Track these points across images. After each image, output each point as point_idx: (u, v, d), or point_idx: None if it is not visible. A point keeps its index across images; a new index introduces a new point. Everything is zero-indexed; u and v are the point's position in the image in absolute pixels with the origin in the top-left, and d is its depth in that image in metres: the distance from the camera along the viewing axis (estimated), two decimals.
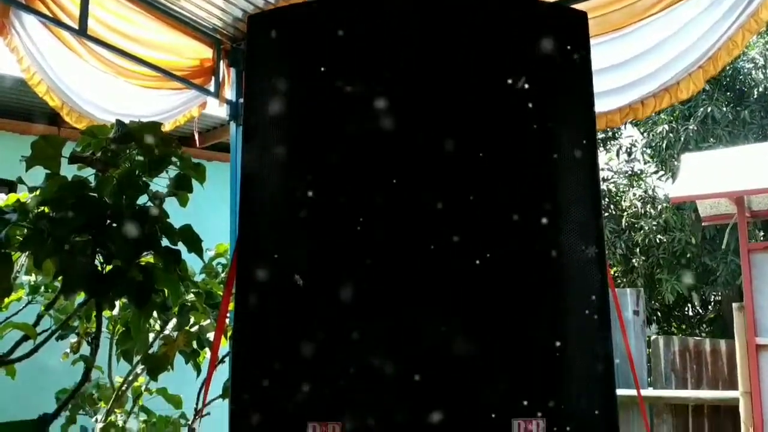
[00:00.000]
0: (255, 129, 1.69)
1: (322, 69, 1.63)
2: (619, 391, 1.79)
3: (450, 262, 1.58)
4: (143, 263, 1.95)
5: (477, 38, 1.65)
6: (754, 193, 3.48)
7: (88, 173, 1.98)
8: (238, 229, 1.71)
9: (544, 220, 1.64)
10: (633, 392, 3.16)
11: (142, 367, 2.61)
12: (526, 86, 1.62)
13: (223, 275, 3.00)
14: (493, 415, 1.60)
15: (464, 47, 1.65)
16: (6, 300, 2.42)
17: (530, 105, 1.63)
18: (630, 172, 11.00)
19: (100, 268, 1.88)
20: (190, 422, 2.67)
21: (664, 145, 9.39)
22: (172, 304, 2.16)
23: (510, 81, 1.63)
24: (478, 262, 1.56)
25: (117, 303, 2.43)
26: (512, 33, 1.66)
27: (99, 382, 2.93)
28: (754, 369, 3.37)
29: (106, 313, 2.48)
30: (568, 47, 1.65)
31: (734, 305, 3.54)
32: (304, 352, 1.64)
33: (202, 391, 2.70)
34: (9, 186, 3.41)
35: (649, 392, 3.85)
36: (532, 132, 1.65)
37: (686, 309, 11.52)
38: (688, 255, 9.26)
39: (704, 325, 10.93)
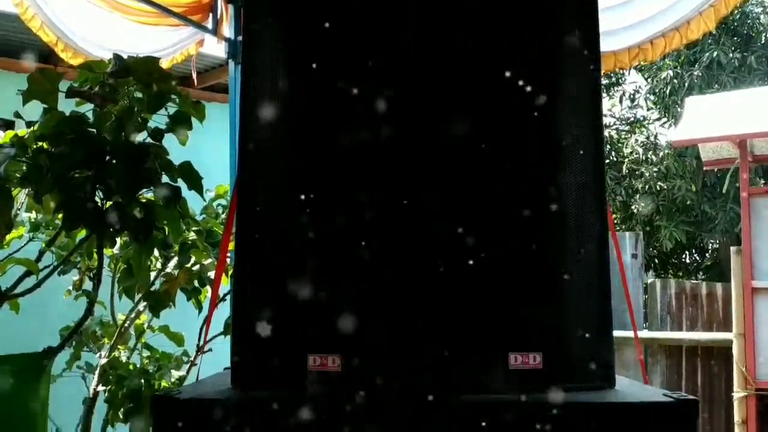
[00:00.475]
0: (255, 66, 1.67)
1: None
2: (615, 333, 1.82)
3: (451, 192, 1.59)
4: (143, 200, 1.96)
5: None
6: (757, 137, 3.46)
7: (86, 109, 1.96)
8: (238, 165, 1.70)
9: (544, 159, 1.64)
10: (628, 333, 3.21)
11: (144, 304, 2.64)
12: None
13: (223, 216, 3.01)
14: (491, 348, 1.62)
15: None
16: (7, 237, 2.43)
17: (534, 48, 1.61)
18: (632, 119, 10.93)
19: (100, 204, 1.88)
20: (192, 358, 2.71)
21: (667, 91, 9.30)
22: (173, 242, 2.17)
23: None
24: (476, 194, 1.58)
25: (118, 241, 2.45)
26: None
27: (102, 320, 2.96)
28: (749, 311, 3.41)
29: (107, 252, 2.49)
30: None
31: (732, 249, 3.56)
32: (304, 287, 1.65)
33: (204, 328, 2.74)
34: (6, 125, 3.39)
35: (644, 334, 3.92)
36: (534, 76, 1.63)
37: (684, 256, 11.62)
38: (688, 202, 9.28)
39: (701, 273, 11.03)
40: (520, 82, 1.61)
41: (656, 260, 10.61)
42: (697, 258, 11.56)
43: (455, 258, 1.61)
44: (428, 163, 1.60)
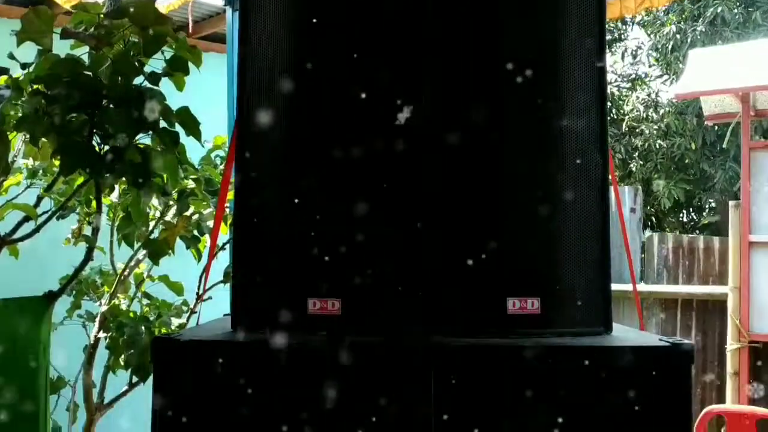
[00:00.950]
0: (255, 8, 1.64)
1: None
2: (612, 286, 1.83)
3: (448, 129, 1.58)
4: (141, 146, 1.94)
5: None
6: (760, 90, 3.42)
7: (81, 52, 1.94)
8: (237, 112, 1.68)
9: (546, 102, 1.63)
10: (624, 287, 3.23)
11: (144, 253, 2.65)
12: None
13: (221, 167, 3.00)
14: (490, 293, 1.63)
15: None
16: (5, 184, 2.42)
17: None
18: (634, 76, 10.83)
19: (98, 149, 1.87)
20: (191, 307, 2.73)
21: (670, 47, 9.19)
22: (171, 189, 2.17)
23: None
24: (476, 134, 1.57)
25: (116, 189, 2.44)
26: None
27: (102, 269, 2.98)
28: (745, 265, 3.44)
29: (105, 201, 2.49)
30: None
31: (731, 203, 3.57)
32: (303, 232, 1.65)
33: (203, 276, 2.76)
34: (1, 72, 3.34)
35: (640, 287, 3.95)
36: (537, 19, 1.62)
37: (681, 215, 11.66)
38: (687, 161, 9.26)
39: (698, 232, 11.09)
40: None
41: (654, 219, 10.64)
42: (695, 217, 11.60)
43: (456, 204, 1.61)
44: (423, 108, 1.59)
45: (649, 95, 10.08)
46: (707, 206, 10.79)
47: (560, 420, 1.48)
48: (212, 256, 1.97)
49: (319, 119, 1.59)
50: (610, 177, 1.69)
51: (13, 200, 2.30)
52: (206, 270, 1.92)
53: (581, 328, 1.62)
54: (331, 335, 1.59)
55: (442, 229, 1.60)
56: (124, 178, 1.98)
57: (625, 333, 1.74)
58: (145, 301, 2.74)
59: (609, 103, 10.28)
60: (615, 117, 10.36)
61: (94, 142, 1.85)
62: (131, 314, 2.68)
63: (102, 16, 1.84)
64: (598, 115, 1.66)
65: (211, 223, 2.63)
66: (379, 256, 1.61)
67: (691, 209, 11.27)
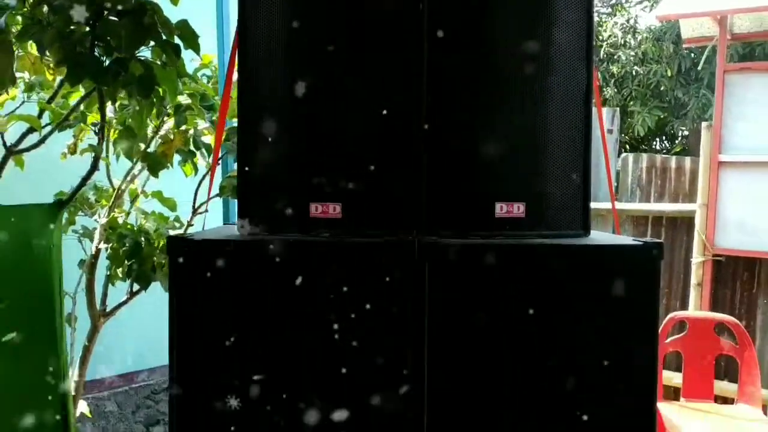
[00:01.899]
0: None
1: None
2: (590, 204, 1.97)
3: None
4: (142, 58, 1.99)
5: None
6: (736, 12, 3.51)
7: None
8: (238, 21, 1.74)
9: (536, 15, 1.71)
10: (599, 205, 3.40)
11: (140, 168, 2.72)
12: None
13: (211, 83, 3.04)
14: (479, 198, 1.75)
15: None
16: (1, 98, 2.45)
17: None
18: (614, 1, 10.77)
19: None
20: (188, 220, 2.83)
21: None
22: (171, 102, 2.22)
23: None
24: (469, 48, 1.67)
25: (110, 107, 2.49)
26: None
27: (96, 184, 3.03)
28: (714, 184, 3.62)
29: (94, 118, 2.54)
30: None
31: (703, 124, 3.71)
32: (304, 140, 1.75)
33: (197, 190, 2.85)
34: None
35: (617, 204, 4.13)
36: None
37: (654, 143, 11.85)
38: (662, 88, 9.37)
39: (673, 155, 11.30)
40: None
41: (628, 146, 10.83)
42: (667, 144, 11.80)
43: (449, 116, 1.72)
44: None
45: (627, 21, 10.07)
46: (680, 134, 10.97)
47: (542, 311, 1.64)
48: (215, 167, 2.07)
49: (320, 21, 1.67)
50: (594, 95, 1.80)
51: (12, 114, 2.34)
52: (211, 177, 2.02)
53: (562, 230, 1.76)
54: (332, 235, 1.71)
55: (436, 140, 1.71)
56: (125, 91, 2.04)
57: (601, 235, 1.89)
58: (142, 215, 2.82)
59: None
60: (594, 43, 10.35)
61: (96, 55, 1.89)
62: (129, 226, 2.77)
63: None
64: (585, 31, 1.75)
65: (205, 138, 2.70)
66: (378, 163, 1.71)
67: (664, 137, 11.46)
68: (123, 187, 2.74)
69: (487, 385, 1.66)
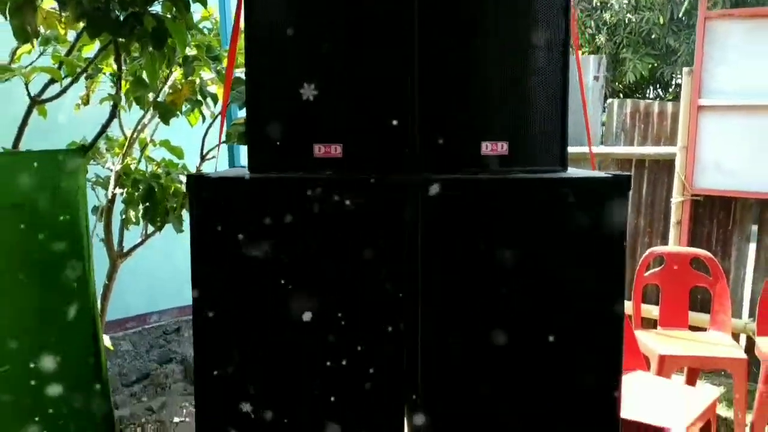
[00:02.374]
0: None
1: None
2: (572, 149, 2.16)
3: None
4: (153, 12, 2.14)
5: None
6: None
7: None
8: None
9: None
10: (581, 149, 3.58)
11: (149, 117, 2.88)
12: None
13: (212, 35, 3.17)
14: (467, 138, 1.94)
15: None
16: (18, 52, 2.60)
17: None
18: None
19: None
20: (197, 166, 3.01)
21: None
22: (180, 53, 2.38)
23: None
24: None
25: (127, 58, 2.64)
26: None
27: (107, 134, 3.20)
28: (693, 127, 3.80)
29: (108, 69, 2.69)
30: None
31: (685, 69, 3.86)
32: (309, 87, 1.92)
33: (206, 137, 3.02)
34: None
35: (600, 149, 4.30)
36: None
37: (648, 91, 11.96)
38: (654, 35, 9.45)
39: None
40: None
41: (621, 94, 10.95)
42: (661, 92, 11.90)
43: (441, 67, 1.90)
44: None
45: None
46: (674, 82, 11.06)
47: (525, 237, 1.85)
48: (224, 114, 2.24)
49: None
50: (572, 42, 1.98)
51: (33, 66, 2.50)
52: (221, 125, 2.20)
53: (542, 166, 1.96)
54: (335, 173, 1.90)
55: (429, 86, 1.89)
56: (137, 43, 2.20)
57: (578, 172, 2.09)
58: (152, 162, 2.99)
59: None
60: None
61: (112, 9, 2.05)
62: (141, 173, 2.95)
63: None
64: None
65: (210, 88, 2.86)
66: (375, 108, 1.90)
67: (658, 85, 11.56)
68: (135, 136, 2.91)
69: (476, 305, 1.88)
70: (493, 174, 1.91)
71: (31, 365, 2.08)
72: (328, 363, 1.83)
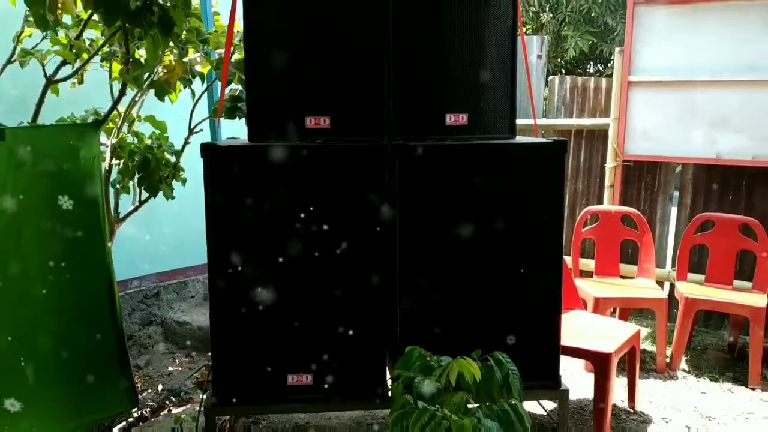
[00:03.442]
0: None
1: None
2: (519, 121, 2.58)
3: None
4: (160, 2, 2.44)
5: None
6: None
7: None
8: None
9: None
10: (530, 121, 4.01)
11: (140, 95, 3.15)
12: None
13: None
14: (433, 110, 2.34)
15: None
16: (23, 34, 2.84)
17: None
18: None
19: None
20: (185, 138, 3.30)
21: None
22: (181, 37, 2.68)
23: None
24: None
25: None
26: None
27: (96, 110, 3.45)
28: (624, 100, 4.28)
29: (101, 53, 2.96)
30: None
31: (617, 49, 4.33)
32: (300, 69, 2.28)
33: (192, 113, 3.32)
34: None
35: (543, 121, 4.76)
36: None
37: (588, 66, 12.57)
38: (593, 14, 9.99)
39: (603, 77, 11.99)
40: None
41: (563, 70, 11.49)
42: (600, 67, 12.51)
43: (412, 57, 2.29)
44: None
45: None
46: (612, 58, 11.64)
47: (484, 191, 2.27)
48: (223, 91, 2.58)
49: None
50: (519, 28, 2.38)
51: (32, 49, 2.76)
52: (220, 101, 2.53)
53: (495, 134, 2.38)
54: (324, 141, 2.28)
55: (402, 68, 2.28)
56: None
57: (525, 139, 2.51)
58: (147, 134, 3.27)
59: None
60: None
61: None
62: (134, 145, 3.23)
63: None
64: None
65: (199, 67, 3.16)
66: (357, 87, 2.28)
67: (598, 61, 12.15)
68: (128, 113, 3.18)
69: (449, 250, 2.30)
70: (455, 140, 2.32)
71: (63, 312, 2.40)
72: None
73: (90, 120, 3.45)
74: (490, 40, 2.35)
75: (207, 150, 2.16)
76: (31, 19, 2.81)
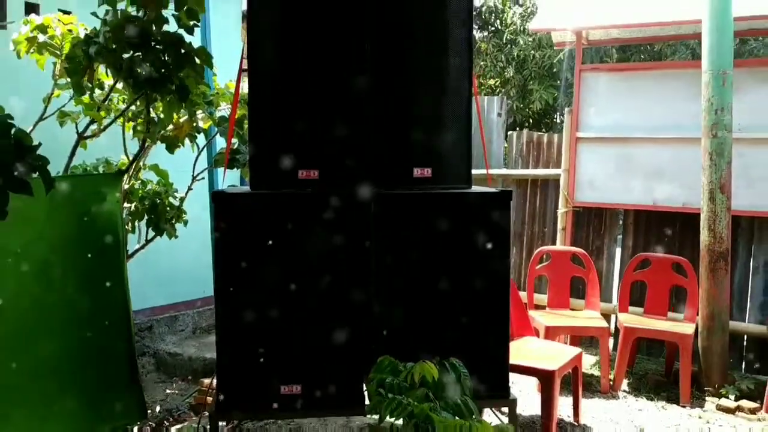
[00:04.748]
0: None
1: None
2: (477, 171, 3.10)
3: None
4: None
5: None
6: (587, 29, 4.75)
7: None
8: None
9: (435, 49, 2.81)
10: (484, 171, 4.55)
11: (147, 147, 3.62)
12: None
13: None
14: (404, 166, 2.84)
15: None
16: (53, 96, 3.32)
17: None
18: None
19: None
20: (189, 185, 3.77)
21: None
22: (193, 102, 3.18)
23: None
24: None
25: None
26: None
27: (107, 160, 3.92)
28: (573, 154, 4.86)
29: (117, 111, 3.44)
30: None
31: (566, 109, 4.94)
32: (294, 131, 2.77)
33: (196, 162, 3.79)
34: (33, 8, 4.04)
35: (503, 171, 5.31)
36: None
37: (555, 117, 13.37)
38: (555, 69, 10.77)
39: None
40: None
41: (530, 120, 12.25)
42: (563, 118, 13.28)
43: (386, 118, 2.79)
44: None
45: (526, 10, 11.37)
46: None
47: (444, 232, 2.75)
48: (229, 144, 3.07)
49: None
50: (475, 97, 2.93)
51: (57, 111, 3.24)
52: (227, 153, 3.02)
53: (454, 184, 2.89)
54: (314, 190, 2.75)
55: (377, 132, 2.78)
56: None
57: (479, 188, 3.02)
58: (154, 181, 3.74)
59: (493, 15, 11.45)
60: (497, 28, 11.64)
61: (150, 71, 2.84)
62: (142, 191, 3.70)
63: None
64: (467, 56, 2.86)
65: (201, 123, 3.65)
66: (340, 147, 2.78)
67: (562, 112, 12.94)
68: (138, 163, 3.65)
69: (418, 280, 2.78)
70: (420, 190, 2.83)
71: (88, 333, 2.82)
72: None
73: (101, 168, 3.95)
74: (449, 110, 2.89)
75: (217, 197, 2.64)
76: (60, 82, 3.32)
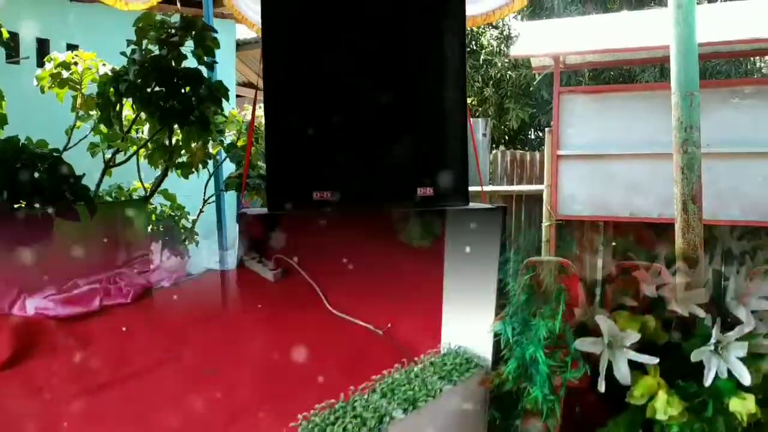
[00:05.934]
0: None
1: None
2: (470, 188, 3.39)
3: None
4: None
5: None
6: (565, 54, 5.12)
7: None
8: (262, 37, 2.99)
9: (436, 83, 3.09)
10: (476, 188, 4.85)
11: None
12: None
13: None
14: (409, 185, 3.12)
15: None
16: (76, 125, 3.54)
17: None
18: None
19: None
20: (200, 208, 4.01)
21: None
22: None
23: None
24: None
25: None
26: None
27: (119, 186, 4.13)
28: (554, 170, 5.20)
29: (131, 135, 3.68)
30: None
31: (547, 129, 5.28)
32: (309, 157, 3.03)
33: (205, 187, 4.03)
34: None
35: (489, 188, 5.64)
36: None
37: (530, 133, 13.80)
38: (531, 88, 11.20)
39: (542, 147, 13.18)
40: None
41: (506, 137, 12.63)
42: (540, 135, 13.73)
43: (392, 140, 3.07)
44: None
45: (501, 32, 11.80)
46: (547, 126, 12.86)
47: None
48: (246, 170, 3.32)
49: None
50: (467, 119, 3.22)
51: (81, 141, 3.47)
52: (244, 179, 3.27)
53: (453, 203, 3.17)
54: (330, 211, 3.01)
55: (385, 158, 3.05)
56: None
57: (476, 205, 3.31)
58: (167, 205, 3.97)
59: (469, 37, 11.85)
60: (474, 48, 12.05)
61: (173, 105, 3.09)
62: (154, 215, 3.92)
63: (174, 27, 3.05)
64: (462, 85, 3.14)
65: (211, 148, 3.90)
66: (350, 170, 3.03)
67: (536, 129, 13.38)
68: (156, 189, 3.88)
69: None
70: (424, 207, 3.10)
71: None
72: None
73: (113, 193, 4.17)
74: (449, 134, 3.17)
75: (242, 216, 2.89)
76: (81, 113, 3.55)
